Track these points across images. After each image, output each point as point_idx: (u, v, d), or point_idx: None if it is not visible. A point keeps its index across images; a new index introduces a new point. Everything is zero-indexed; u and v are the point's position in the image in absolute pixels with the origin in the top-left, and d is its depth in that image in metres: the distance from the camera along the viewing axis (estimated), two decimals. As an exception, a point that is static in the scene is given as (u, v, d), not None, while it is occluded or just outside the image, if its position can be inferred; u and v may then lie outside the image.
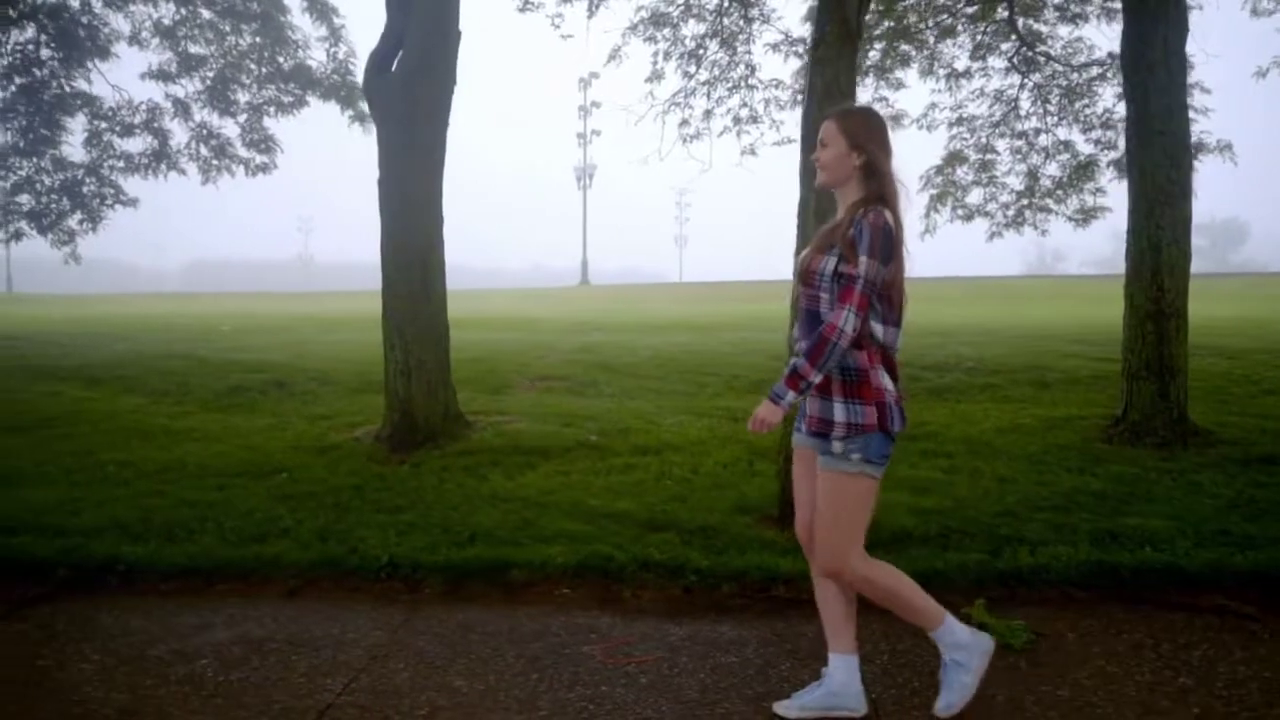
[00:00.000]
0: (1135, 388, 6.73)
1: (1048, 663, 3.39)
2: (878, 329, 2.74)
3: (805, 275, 2.81)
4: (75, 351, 11.84)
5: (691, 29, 11.33)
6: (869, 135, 2.82)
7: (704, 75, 11.60)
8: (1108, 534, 4.63)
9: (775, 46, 11.82)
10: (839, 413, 2.75)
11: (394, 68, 7.07)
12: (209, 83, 14.39)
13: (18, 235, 13.79)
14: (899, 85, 13.24)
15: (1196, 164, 9.44)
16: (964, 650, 2.92)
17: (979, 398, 8.49)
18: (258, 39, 14.47)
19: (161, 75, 14.13)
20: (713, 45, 11.46)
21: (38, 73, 12.42)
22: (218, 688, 3.22)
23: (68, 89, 12.84)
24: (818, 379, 2.70)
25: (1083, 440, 6.69)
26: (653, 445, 6.69)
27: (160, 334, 15.08)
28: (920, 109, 13.77)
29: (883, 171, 2.79)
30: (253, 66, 14.68)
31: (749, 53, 11.58)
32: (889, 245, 2.68)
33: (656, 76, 11.44)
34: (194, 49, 14.30)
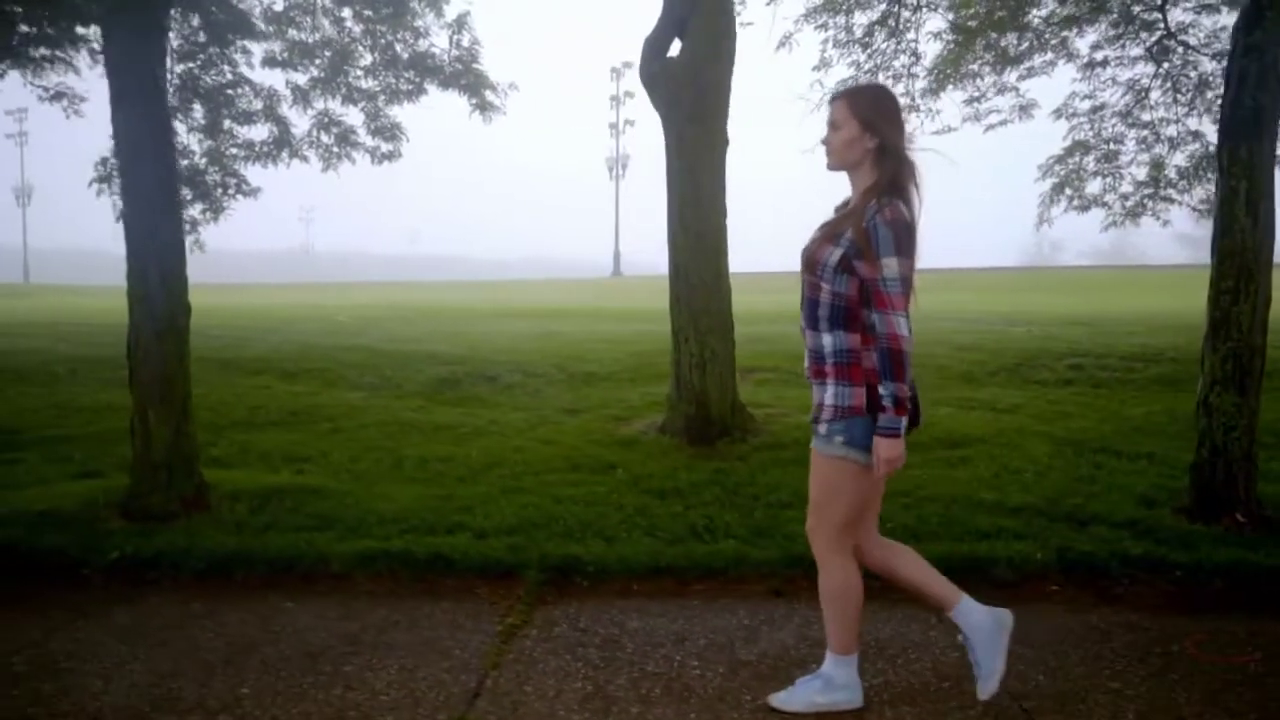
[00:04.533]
0: None
1: None
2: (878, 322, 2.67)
3: (809, 264, 2.73)
4: (233, 344, 11.57)
5: (860, 18, 11.22)
6: (882, 115, 2.71)
7: (869, 64, 11.50)
8: None
9: (938, 35, 11.75)
10: (828, 395, 2.71)
11: (678, 53, 6.91)
12: (324, 70, 14.13)
13: (140, 225, 13.47)
14: (1032, 73, 13.13)
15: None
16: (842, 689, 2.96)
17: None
18: (375, 26, 14.22)
19: (280, 63, 13.85)
20: (880, 34, 11.35)
21: (193, 63, 12.14)
22: (876, 692, 3.11)
23: (229, 74, 12.57)
24: (908, 390, 2.64)
25: None
26: (952, 438, 6.61)
27: (294, 325, 14.83)
28: (1042, 99, 13.69)
29: (897, 153, 2.69)
30: (364, 53, 14.44)
31: (915, 41, 11.49)
32: (909, 240, 2.61)
33: (825, 64, 11.33)
34: (313, 36, 14.03)
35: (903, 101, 11.93)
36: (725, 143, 6.88)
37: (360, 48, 14.62)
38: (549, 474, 5.78)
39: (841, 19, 11.14)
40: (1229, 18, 12.62)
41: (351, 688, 3.15)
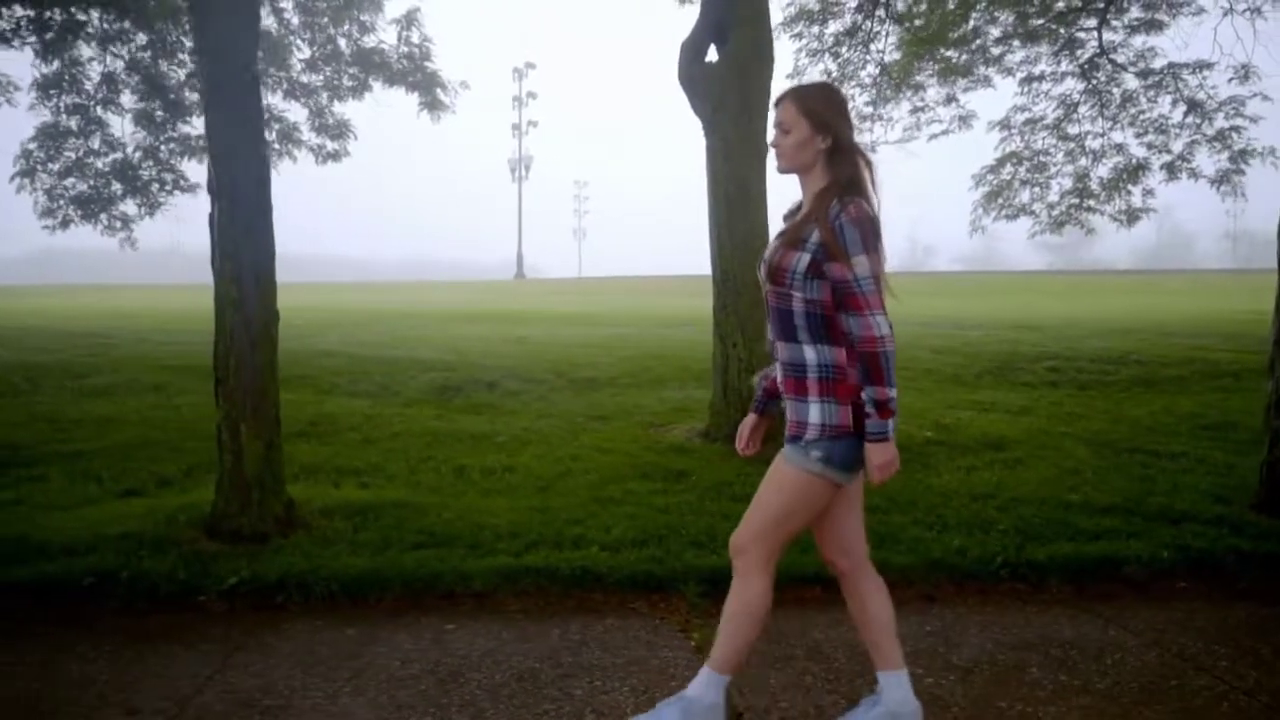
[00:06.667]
0: None
1: None
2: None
3: (775, 273, 2.58)
4: (199, 350, 10.88)
5: (833, 27, 11.45)
6: (833, 114, 2.60)
7: (838, 74, 11.76)
8: None
9: (899, 46, 12.09)
10: (814, 413, 2.56)
11: (720, 55, 6.90)
12: (260, 63, 13.54)
13: (65, 223, 12.63)
14: (977, 84, 13.60)
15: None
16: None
17: None
18: (315, 20, 13.71)
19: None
20: (848, 45, 11.62)
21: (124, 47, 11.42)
22: (1118, 691, 3.17)
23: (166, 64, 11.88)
24: (895, 391, 2.50)
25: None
26: (989, 439, 6.80)
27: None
28: (978, 112, 14.25)
29: (852, 151, 2.60)
30: (303, 46, 13.92)
31: (881, 52, 11.79)
32: (876, 237, 2.51)
33: (798, 73, 11.52)
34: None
35: (867, 110, 12.25)
36: (767, 147, 6.89)
37: (299, 40, 14.09)
38: (628, 482, 5.67)
39: (815, 29, 11.33)
40: (1155, 38, 13.38)
41: (602, 714, 3.01)
